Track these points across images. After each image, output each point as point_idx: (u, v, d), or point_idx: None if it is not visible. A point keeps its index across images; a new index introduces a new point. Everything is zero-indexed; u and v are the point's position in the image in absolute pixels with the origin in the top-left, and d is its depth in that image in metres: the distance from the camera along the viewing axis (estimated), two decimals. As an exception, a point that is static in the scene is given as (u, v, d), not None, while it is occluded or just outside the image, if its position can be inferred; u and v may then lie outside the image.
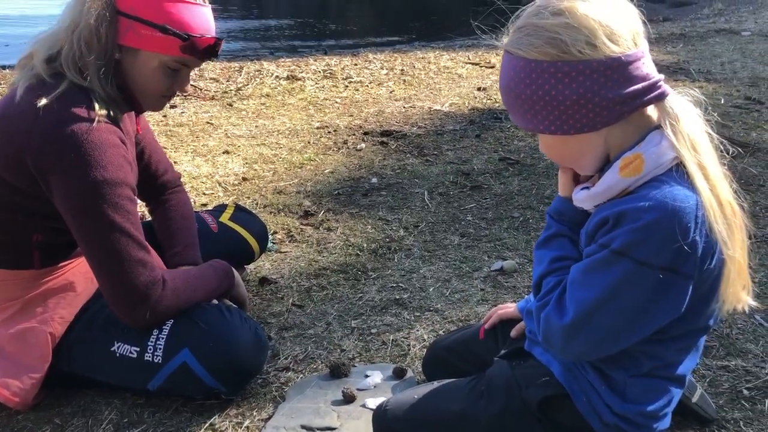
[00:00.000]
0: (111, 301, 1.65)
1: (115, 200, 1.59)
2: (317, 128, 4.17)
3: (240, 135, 4.04)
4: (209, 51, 1.68)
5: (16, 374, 1.72)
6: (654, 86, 1.14)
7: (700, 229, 1.11)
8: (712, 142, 1.18)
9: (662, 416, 1.31)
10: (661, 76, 1.16)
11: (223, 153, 3.72)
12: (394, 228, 2.83)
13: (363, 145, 3.85)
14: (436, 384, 1.52)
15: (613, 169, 1.18)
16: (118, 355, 1.71)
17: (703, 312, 1.22)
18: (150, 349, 1.69)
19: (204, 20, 1.67)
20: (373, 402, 1.67)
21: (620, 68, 1.12)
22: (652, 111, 1.18)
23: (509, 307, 1.65)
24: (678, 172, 1.14)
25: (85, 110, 1.58)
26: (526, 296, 2.22)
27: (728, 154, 1.20)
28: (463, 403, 1.42)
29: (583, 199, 1.25)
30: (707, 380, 1.78)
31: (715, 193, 1.13)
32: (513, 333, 1.59)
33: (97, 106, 1.60)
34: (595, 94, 1.12)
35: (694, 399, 1.57)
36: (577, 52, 1.11)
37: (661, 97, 1.15)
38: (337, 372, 1.82)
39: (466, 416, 1.41)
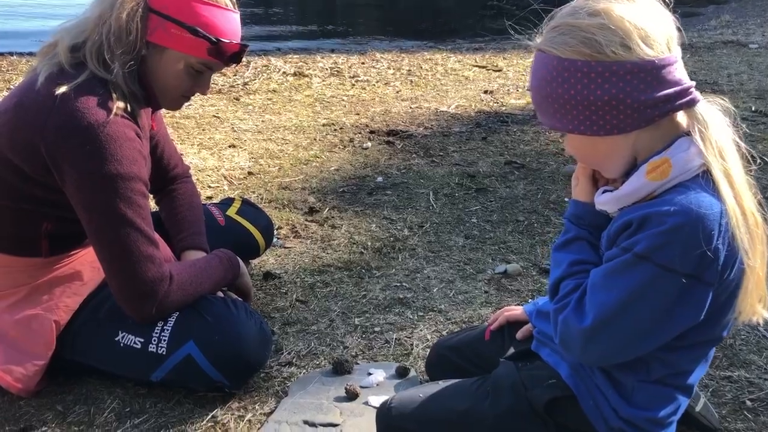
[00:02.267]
0: (118, 295, 1.65)
1: (127, 195, 1.59)
2: (323, 125, 4.18)
3: (246, 129, 4.05)
4: (235, 57, 1.69)
5: (19, 361, 1.72)
6: (685, 92, 1.14)
7: (723, 237, 1.11)
8: (739, 151, 1.18)
9: (668, 424, 1.31)
10: (693, 83, 1.16)
11: (229, 147, 3.72)
12: (398, 227, 2.83)
13: (369, 144, 3.85)
14: (441, 383, 1.52)
15: (639, 172, 1.18)
16: (122, 345, 1.72)
17: (719, 322, 1.22)
18: (154, 341, 1.69)
19: (233, 26, 1.68)
20: (375, 399, 1.68)
21: (653, 71, 1.12)
22: (681, 117, 1.18)
23: (516, 310, 1.65)
24: (704, 179, 1.15)
25: (104, 102, 1.58)
26: (531, 300, 2.23)
27: (754, 164, 1.20)
28: (469, 403, 1.42)
29: (607, 201, 1.25)
30: (710, 390, 1.78)
31: (740, 202, 1.13)
32: (519, 335, 1.59)
33: (115, 98, 1.60)
34: (627, 96, 1.12)
35: (698, 408, 1.57)
36: (611, 53, 1.11)
37: (692, 103, 1.15)
38: (340, 369, 1.82)
39: (472, 415, 1.41)
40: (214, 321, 1.71)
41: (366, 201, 3.09)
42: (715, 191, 1.13)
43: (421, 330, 2.09)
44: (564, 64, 1.14)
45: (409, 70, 5.81)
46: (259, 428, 1.65)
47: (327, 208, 2.99)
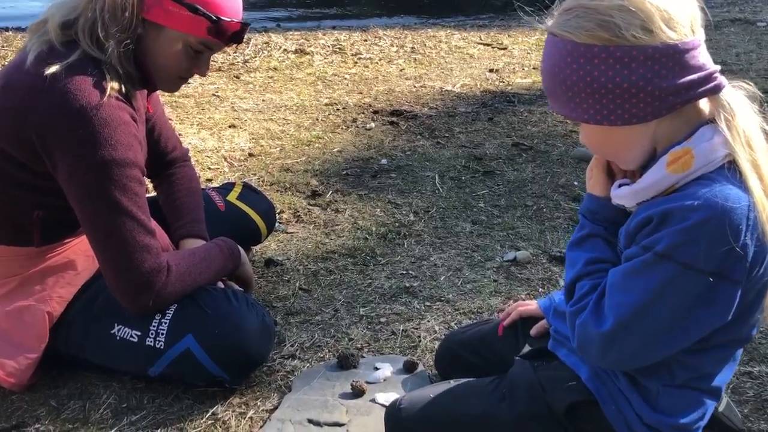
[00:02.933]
0: (113, 286, 1.58)
1: (123, 182, 1.51)
2: (326, 105, 4.08)
3: (247, 109, 3.95)
4: (236, 36, 1.59)
5: (11, 354, 1.65)
6: (710, 77, 1.07)
7: (751, 231, 1.04)
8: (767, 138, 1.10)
9: (694, 430, 1.24)
10: (717, 67, 1.08)
11: (230, 127, 3.63)
12: (403, 212, 2.75)
13: (372, 124, 3.76)
14: (453, 383, 1.45)
15: (659, 163, 1.10)
16: (118, 338, 1.64)
17: (747, 321, 1.15)
18: (152, 334, 1.62)
19: (234, 3, 1.59)
20: (383, 397, 1.61)
21: (676, 56, 1.04)
22: (704, 104, 1.10)
23: (530, 305, 1.58)
24: (730, 170, 1.07)
25: (97, 83, 1.49)
26: (542, 290, 2.15)
27: None
28: (484, 405, 1.35)
29: (625, 195, 1.17)
30: (730, 386, 1.71)
31: None
32: (533, 331, 1.52)
33: (109, 79, 1.51)
34: (648, 83, 1.04)
35: (720, 408, 1.50)
36: (632, 36, 1.03)
37: (717, 89, 1.07)
38: (346, 363, 1.75)
39: (488, 419, 1.34)
40: (213, 314, 1.63)
41: (370, 184, 3.01)
42: (741, 183, 1.05)
43: (428, 321, 2.01)
44: (580, 49, 1.06)
45: (413, 48, 5.69)
46: (261, 426, 1.58)
47: (330, 192, 2.90)
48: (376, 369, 1.73)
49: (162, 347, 1.62)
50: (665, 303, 1.08)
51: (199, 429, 1.57)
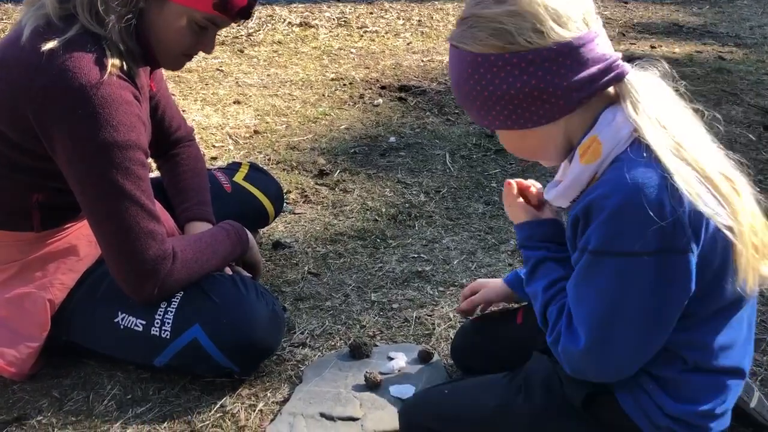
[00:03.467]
0: (116, 275, 1.51)
1: (125, 165, 1.43)
2: (332, 80, 3.98)
3: (251, 84, 3.85)
4: (243, 12, 1.50)
5: (11, 342, 1.59)
6: (611, 66, 1.08)
7: (677, 199, 1.01)
8: (700, 116, 1.12)
9: (720, 415, 1.18)
10: (619, 54, 1.09)
11: (234, 103, 3.53)
12: (413, 192, 2.67)
13: (380, 100, 3.66)
14: (467, 380, 1.41)
15: (574, 158, 1.11)
16: (122, 327, 1.58)
17: (723, 287, 1.10)
18: (157, 323, 1.55)
19: None
20: (397, 389, 1.54)
21: (572, 53, 1.05)
22: (612, 91, 1.10)
23: (491, 285, 1.57)
24: (640, 147, 1.05)
25: (97, 60, 1.40)
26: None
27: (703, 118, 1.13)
28: (500, 399, 1.30)
29: (556, 198, 1.17)
30: (759, 378, 1.64)
31: (696, 165, 1.04)
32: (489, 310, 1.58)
33: (110, 56, 1.42)
34: (549, 84, 1.06)
35: (752, 404, 1.43)
36: (525, 41, 1.04)
37: (620, 76, 1.08)
38: (358, 353, 1.68)
39: (504, 412, 1.28)
40: (221, 302, 1.56)
41: (379, 163, 2.93)
42: (650, 156, 1.03)
43: (442, 307, 1.95)
44: (477, 60, 1.07)
45: (420, 21, 5.56)
46: (271, 419, 1.52)
47: (338, 171, 2.82)
48: (390, 359, 1.67)
49: (168, 337, 1.55)
50: (625, 298, 1.06)
51: (207, 423, 1.51)
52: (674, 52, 4.67)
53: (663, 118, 1.06)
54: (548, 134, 1.12)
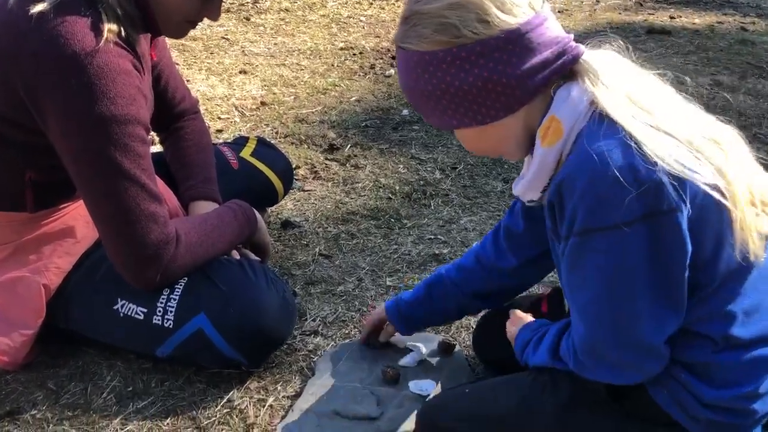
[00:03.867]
0: (115, 260, 1.40)
1: (124, 141, 1.31)
2: (341, 49, 3.83)
3: (258, 53, 3.71)
4: None
5: (4, 330, 1.48)
6: (564, 49, 1.03)
7: (647, 161, 0.95)
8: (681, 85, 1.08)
9: (764, 394, 1.08)
10: (571, 36, 1.05)
11: (240, 73, 3.40)
12: (428, 169, 2.55)
13: (392, 70, 3.51)
14: (489, 379, 1.36)
15: (537, 143, 1.06)
16: (121, 315, 1.47)
17: (727, 251, 1.03)
18: (159, 311, 1.45)
19: None
20: (417, 385, 1.44)
21: (521, 40, 1.01)
22: (569, 74, 1.05)
23: (375, 314, 1.55)
24: (600, 117, 1.00)
25: (92, 25, 1.28)
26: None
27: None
28: (524, 395, 1.21)
29: (524, 190, 1.12)
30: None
31: (674, 132, 0.99)
32: (381, 338, 1.55)
33: (106, 20, 1.29)
34: (502, 75, 1.01)
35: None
36: (471, 33, 1.00)
37: (575, 58, 1.04)
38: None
39: (529, 408, 1.20)
40: (228, 290, 1.45)
41: (391, 137, 2.80)
42: (612, 124, 0.99)
43: (461, 293, 1.83)
44: (425, 58, 1.02)
45: (431, -11, 5.38)
46: (282, 415, 1.42)
47: (348, 145, 2.70)
48: (409, 350, 1.56)
49: (171, 326, 1.44)
50: (624, 272, 1.00)
51: (213, 419, 1.41)
52: (694, 23, 4.49)
53: (626, 87, 1.02)
54: (508, 127, 1.06)
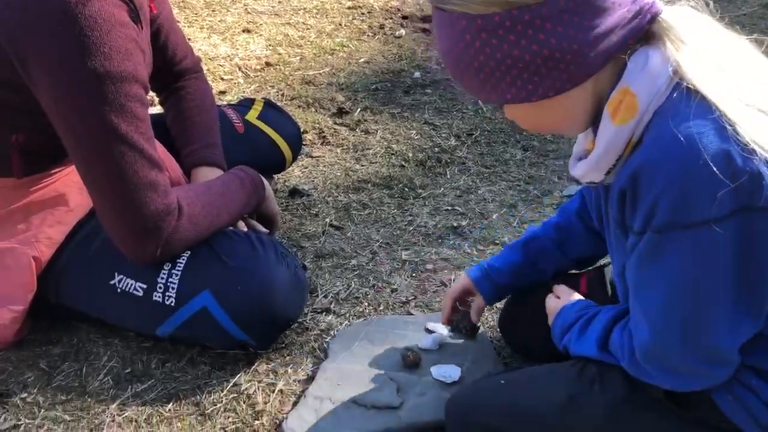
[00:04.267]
0: (112, 232, 1.28)
1: (120, 101, 1.18)
2: (349, 8, 3.65)
3: (262, 11, 3.53)
4: None
5: (-8, 306, 1.36)
6: (641, 7, 0.88)
7: (747, 148, 0.82)
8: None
9: None
10: None
11: (243, 31, 3.23)
12: (443, 136, 2.41)
13: (402, 31, 3.35)
14: (525, 368, 1.23)
15: (604, 120, 0.91)
16: (119, 290, 1.35)
17: None
18: (160, 288, 1.33)
19: None
20: (440, 371, 1.32)
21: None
22: (645, 36, 0.90)
23: (459, 284, 1.37)
24: (687, 93, 0.86)
25: None
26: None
27: None
28: (570, 391, 1.08)
29: (586, 172, 0.97)
30: None
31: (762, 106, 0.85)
32: (473, 317, 1.38)
33: None
34: (572, 40, 0.85)
35: None
36: None
37: (653, 18, 0.88)
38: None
39: (575, 406, 1.07)
40: (235, 265, 1.33)
41: (403, 101, 2.65)
42: (701, 101, 0.85)
43: (483, 269, 1.72)
44: (477, 23, 0.86)
45: (441, -53, 5.17)
46: (293, 402, 1.31)
47: (358, 109, 2.55)
48: (429, 331, 1.45)
49: (173, 304, 1.33)
50: (706, 274, 0.88)
51: (219, 405, 1.30)
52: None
53: (715, 54, 0.88)
54: (574, 100, 0.92)
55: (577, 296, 1.18)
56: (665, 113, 0.86)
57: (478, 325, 1.46)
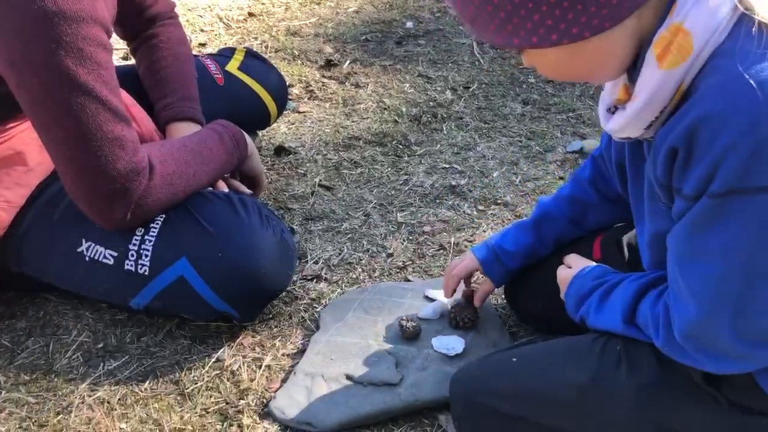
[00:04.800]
0: (75, 195, 1.14)
1: (77, 44, 1.03)
2: (336, -44, 3.47)
3: (243, -41, 3.34)
4: None
5: (-54, 277, 1.23)
6: None
7: None
8: None
9: None
10: None
11: (224, -20, 3.05)
12: (438, 89, 2.27)
13: (392, -21, 3.18)
14: (538, 343, 1.10)
15: (648, 62, 0.77)
16: (87, 258, 1.22)
17: None
18: (132, 255, 1.20)
19: None
20: (442, 343, 1.21)
21: None
22: None
23: (463, 262, 1.25)
24: (755, 31, 0.72)
25: None
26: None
27: None
28: (593, 373, 0.96)
29: (624, 125, 0.83)
30: None
31: None
32: (476, 302, 1.26)
33: None
34: None
35: None
36: None
37: None
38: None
39: (598, 390, 0.95)
40: (215, 230, 1.20)
41: (395, 53, 2.50)
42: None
43: (484, 230, 1.60)
44: None
45: None
46: (282, 379, 1.19)
47: (347, 61, 2.40)
48: (429, 299, 1.33)
49: (146, 273, 1.20)
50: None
51: (201, 383, 1.18)
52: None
53: None
54: (613, 41, 0.77)
55: (591, 263, 1.07)
56: (728, 54, 0.73)
57: (478, 316, 1.33)
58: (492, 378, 1.02)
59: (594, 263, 1.06)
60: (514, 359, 1.03)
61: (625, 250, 1.18)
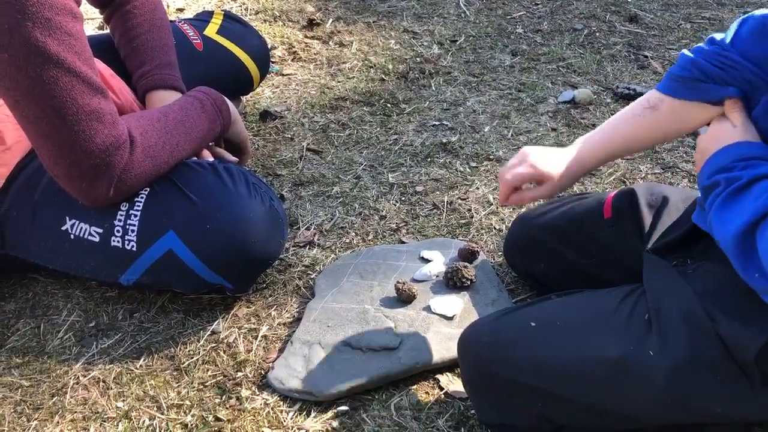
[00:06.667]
0: (54, 172, 1.10)
1: (45, 15, 0.99)
2: None
3: None
4: None
5: (-72, 262, 1.20)
6: None
7: None
8: None
9: None
10: None
11: (198, -59, 2.95)
12: (424, 44, 2.22)
13: (372, -67, 3.09)
14: (557, 301, 0.99)
15: None
16: (72, 236, 1.19)
17: None
18: (118, 232, 1.17)
19: None
20: (440, 305, 1.19)
21: None
22: None
23: (524, 165, 1.06)
24: None
25: None
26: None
27: None
28: (621, 347, 0.88)
29: None
30: None
31: None
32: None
33: None
34: None
35: None
36: None
37: None
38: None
39: (629, 370, 0.87)
40: (201, 201, 1.17)
41: (378, 9, 2.45)
42: None
43: (478, 188, 1.57)
44: None
45: None
46: (279, 349, 1.17)
47: (330, 20, 2.35)
48: (424, 260, 1.31)
49: (134, 249, 1.17)
50: None
51: (197, 357, 1.16)
52: None
53: None
54: None
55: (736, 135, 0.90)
56: None
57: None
58: (509, 346, 0.94)
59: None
60: (533, 323, 0.94)
61: (644, 208, 1.09)
